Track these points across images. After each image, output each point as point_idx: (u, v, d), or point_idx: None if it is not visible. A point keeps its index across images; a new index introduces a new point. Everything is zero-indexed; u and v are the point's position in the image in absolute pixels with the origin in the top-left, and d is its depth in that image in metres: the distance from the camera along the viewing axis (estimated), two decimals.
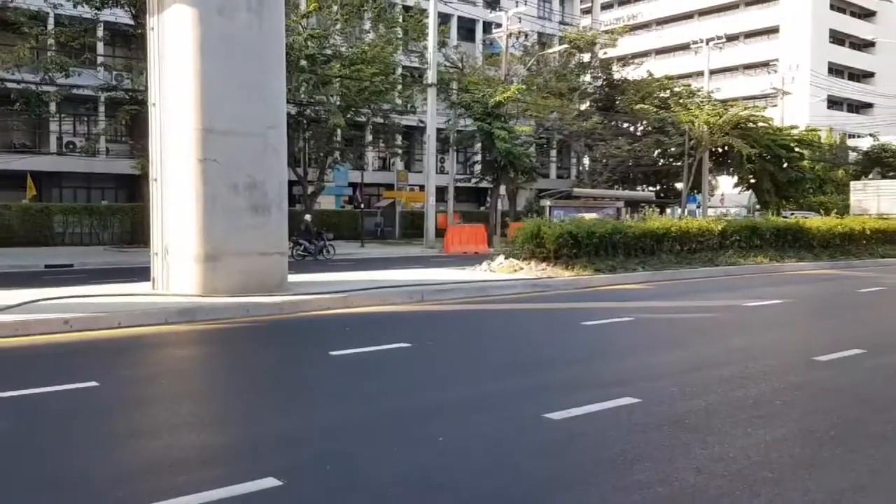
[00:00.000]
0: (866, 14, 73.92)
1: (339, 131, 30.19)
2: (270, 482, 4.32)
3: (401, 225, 38.09)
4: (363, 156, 37.39)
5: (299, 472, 4.60)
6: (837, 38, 73.44)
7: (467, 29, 47.81)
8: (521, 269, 16.33)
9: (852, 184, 40.65)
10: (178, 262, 11.81)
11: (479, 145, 36.05)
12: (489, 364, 8.06)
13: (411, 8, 35.72)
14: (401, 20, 34.16)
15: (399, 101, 34.32)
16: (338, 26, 29.94)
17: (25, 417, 5.84)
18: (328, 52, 28.96)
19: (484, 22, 46.80)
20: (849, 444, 5.30)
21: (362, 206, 35.81)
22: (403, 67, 37.27)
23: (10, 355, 8.31)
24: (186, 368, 8.25)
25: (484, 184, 37.79)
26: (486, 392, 6.73)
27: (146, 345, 9.06)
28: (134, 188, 31.94)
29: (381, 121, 33.34)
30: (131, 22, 25.97)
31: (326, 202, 38.27)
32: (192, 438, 5.44)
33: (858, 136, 62.65)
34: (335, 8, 29.66)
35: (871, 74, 76.52)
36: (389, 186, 42.48)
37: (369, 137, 36.45)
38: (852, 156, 56.90)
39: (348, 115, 29.88)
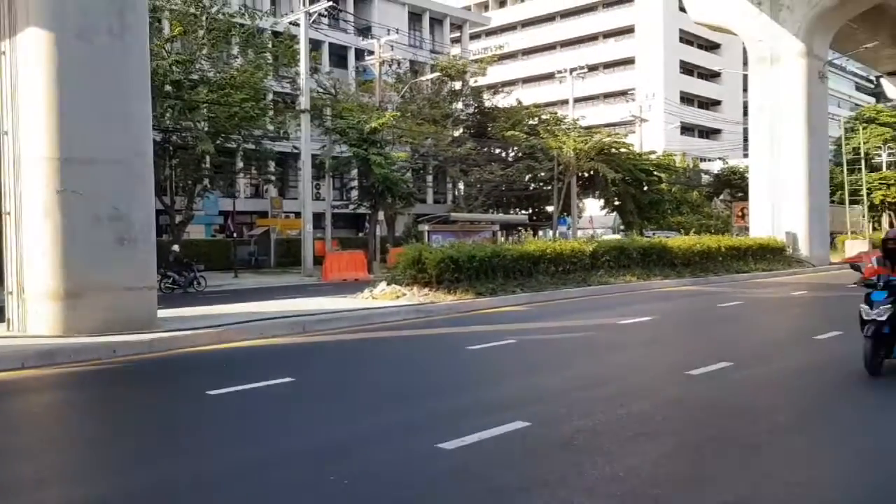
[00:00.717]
0: (712, 46, 79.65)
1: (207, 158, 29.15)
2: None
3: (276, 253, 37.18)
4: (234, 183, 36.25)
5: None
6: (687, 68, 78.68)
7: (339, 55, 47.72)
8: (404, 294, 16.27)
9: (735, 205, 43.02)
10: (36, 300, 10.92)
11: (355, 171, 35.85)
12: (378, 395, 7.90)
13: (281, 34, 35.18)
14: (270, 45, 33.59)
15: (271, 127, 33.62)
16: (204, 51, 29.04)
17: None
18: (195, 77, 28.01)
19: (356, 49, 46.88)
20: (729, 457, 5.53)
21: (234, 234, 34.68)
22: (275, 93, 36.64)
23: None
24: (48, 416, 7.58)
25: (362, 210, 37.57)
26: (376, 425, 6.57)
27: (2, 392, 8.28)
28: None
29: (252, 147, 32.52)
30: None
31: (196, 231, 36.84)
32: (58, 493, 4.96)
33: (709, 160, 67.17)
34: (201, 33, 28.76)
35: (718, 102, 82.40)
36: (263, 214, 41.47)
37: (241, 164, 35.46)
38: (705, 178, 60.89)
39: (218, 142, 28.93)
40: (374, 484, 5.01)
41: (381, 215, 35.89)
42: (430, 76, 43.39)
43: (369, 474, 5.19)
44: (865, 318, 8.12)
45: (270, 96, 35.01)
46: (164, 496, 4.84)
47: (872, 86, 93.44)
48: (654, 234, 37.35)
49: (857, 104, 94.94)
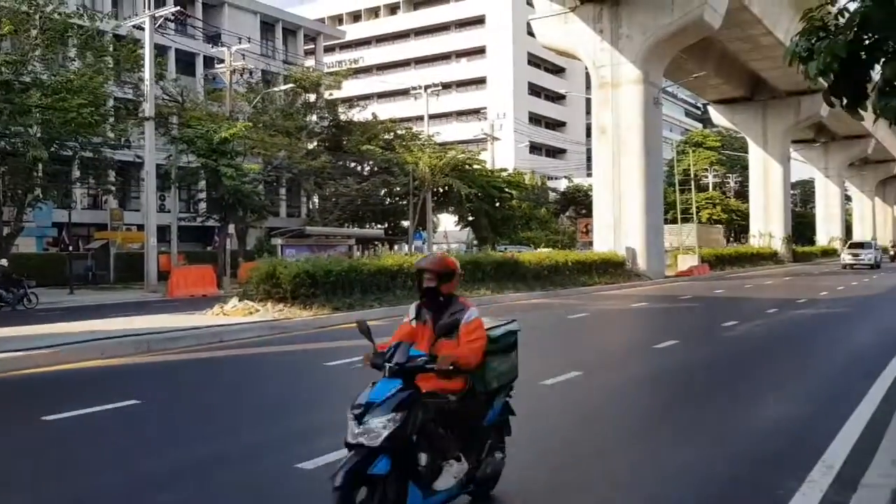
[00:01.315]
0: (557, 70, 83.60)
1: (40, 166, 27.04)
2: None
3: (116, 268, 35.03)
4: (70, 193, 33.82)
5: None
6: (535, 90, 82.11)
7: (187, 62, 45.88)
8: (258, 310, 15.81)
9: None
10: None
11: (203, 183, 34.49)
12: (231, 415, 7.61)
13: (124, 37, 33.35)
14: (112, 49, 31.74)
15: (112, 135, 31.70)
16: (37, 52, 26.98)
17: None
18: (26, 79, 25.94)
19: (205, 56, 45.25)
20: (582, 464, 5.77)
21: (70, 248, 32.36)
22: (116, 99, 34.67)
23: None
24: None
25: (211, 222, 36.17)
26: (230, 447, 6.32)
27: None
28: None
29: (90, 155, 30.51)
30: None
31: (26, 245, 34.03)
32: None
33: (556, 178, 70.34)
34: (34, 32, 26.72)
35: (564, 123, 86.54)
36: (102, 226, 39.00)
37: (77, 173, 33.18)
38: (552, 196, 63.66)
39: (52, 149, 26.91)
40: None
41: (231, 229, 34.71)
42: (283, 87, 42.62)
43: (221, 497, 4.98)
44: (349, 439, 3.95)
45: (111, 102, 33.08)
46: None
47: (700, 112, 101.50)
48: (506, 248, 38.53)
49: (686, 129, 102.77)
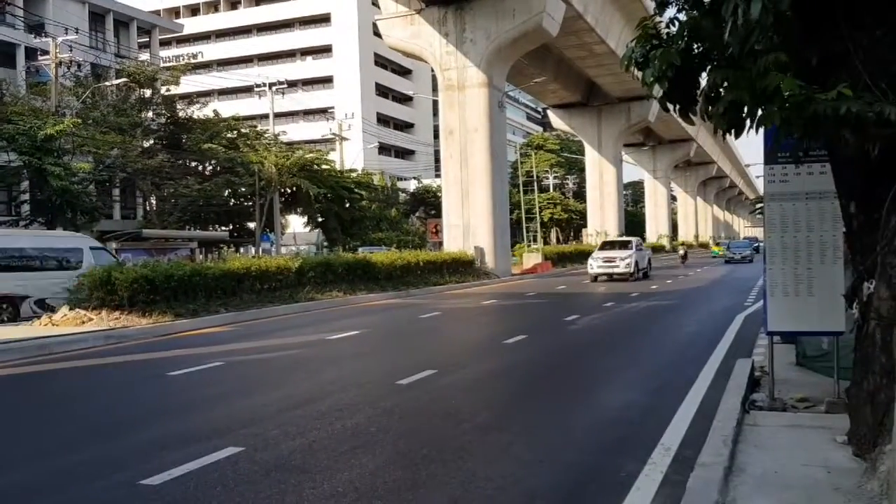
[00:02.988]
0: (405, 72, 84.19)
1: None
2: None
3: None
4: None
5: None
6: (383, 91, 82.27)
7: (6, 53, 42.05)
8: (91, 319, 14.75)
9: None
10: None
11: (27, 183, 31.77)
12: (63, 433, 7.04)
13: None
14: None
15: None
16: None
17: None
18: None
19: (27, 47, 41.71)
20: (441, 459, 5.81)
21: None
22: None
23: None
24: None
25: (35, 226, 33.41)
26: (64, 467, 5.84)
27: None
28: None
29: None
30: None
31: None
32: None
33: (406, 179, 70.84)
34: None
35: (412, 125, 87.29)
36: None
37: None
38: (402, 196, 64.06)
39: None
40: None
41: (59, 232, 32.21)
42: (115, 81, 40.05)
43: None
44: None
45: None
46: None
47: (540, 116, 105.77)
48: (361, 249, 38.32)
49: (528, 132, 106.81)
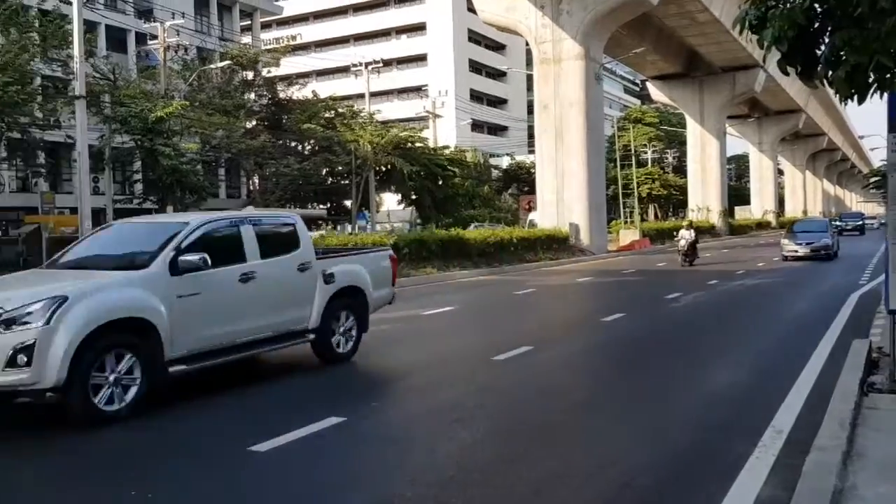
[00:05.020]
0: (498, 47, 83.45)
1: None
2: None
3: (49, 253, 33.69)
4: None
5: None
6: (476, 67, 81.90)
7: (118, 39, 44.23)
8: None
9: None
10: None
11: (139, 163, 33.42)
12: (181, 401, 7.36)
13: (50, 12, 31.88)
14: (38, 25, 30.32)
15: (40, 115, 30.37)
16: None
17: None
18: None
19: (137, 33, 43.69)
20: (538, 436, 5.76)
21: None
22: (44, 77, 33.18)
23: None
24: None
25: (148, 204, 35.13)
26: (181, 431, 6.13)
27: None
28: None
29: (18, 136, 29.22)
30: None
31: None
32: None
33: (499, 156, 70.51)
34: None
35: (505, 101, 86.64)
36: (33, 210, 37.45)
37: (4, 154, 31.76)
38: (495, 173, 63.82)
39: None
40: (186, 491, 4.64)
41: (170, 210, 33.80)
42: (220, 64, 41.46)
43: (179, 490, 4.81)
44: None
45: (39, 80, 31.67)
46: None
47: (638, 89, 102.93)
48: (473, 226, 38.47)
49: (625, 105, 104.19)
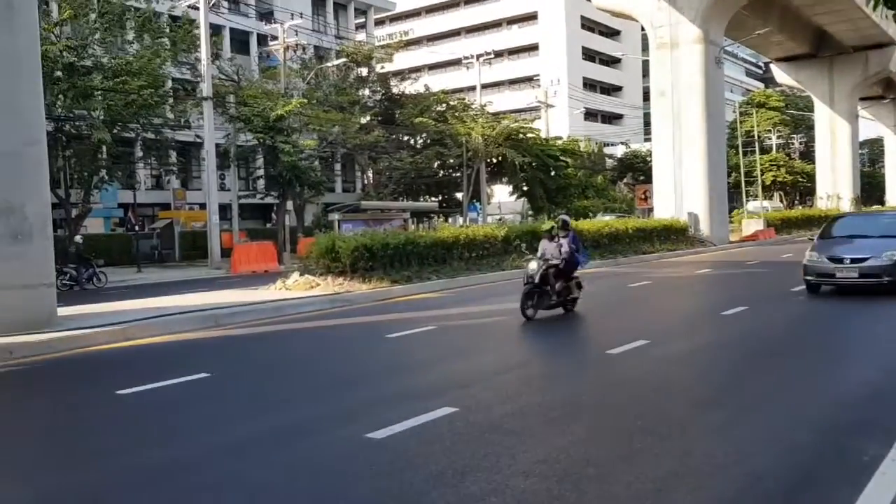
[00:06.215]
0: (612, 33, 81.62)
1: (104, 148, 27.71)
2: None
3: (181, 246, 35.82)
4: (134, 174, 34.67)
5: None
6: (589, 55, 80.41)
7: (241, 41, 46.32)
8: (318, 284, 15.95)
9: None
10: None
11: (261, 160, 34.93)
12: (298, 387, 7.68)
13: (179, 18, 33.76)
14: (168, 30, 32.18)
15: (171, 116, 32.29)
16: (97, 36, 27.55)
17: None
18: (88, 63, 26.53)
19: (258, 34, 45.61)
20: (656, 432, 5.62)
21: (136, 227, 33.23)
22: (174, 80, 35.19)
23: None
24: None
25: (269, 199, 36.67)
26: (300, 417, 6.37)
27: None
28: None
29: (152, 136, 31.17)
30: None
31: (94, 225, 35.10)
32: None
33: (613, 145, 69.00)
34: (93, 16, 27.25)
35: (620, 88, 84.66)
36: (165, 206, 39.92)
37: (140, 154, 33.97)
38: (609, 162, 62.49)
39: (115, 131, 27.54)
40: (300, 475, 4.83)
41: (289, 205, 35.15)
42: (335, 62, 42.67)
43: (295, 465, 5.01)
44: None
45: (170, 83, 33.63)
46: (71, 501, 4.52)
47: (761, 72, 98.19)
48: (600, 215, 37.98)
49: (747, 89, 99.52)
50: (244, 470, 5.01)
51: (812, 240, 15.00)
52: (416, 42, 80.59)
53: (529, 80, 74.75)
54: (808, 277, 13.51)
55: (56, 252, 12.09)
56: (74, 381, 8.67)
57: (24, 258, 10.60)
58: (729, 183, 38.41)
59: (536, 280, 11.29)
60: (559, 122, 63.39)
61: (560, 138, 51.61)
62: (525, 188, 45.50)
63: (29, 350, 9.61)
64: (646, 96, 62.67)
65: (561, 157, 46.71)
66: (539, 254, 11.92)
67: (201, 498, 4.55)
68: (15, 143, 10.54)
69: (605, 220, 27.32)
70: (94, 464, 5.35)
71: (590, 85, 79.79)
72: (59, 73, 24.76)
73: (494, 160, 43.97)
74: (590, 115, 77.29)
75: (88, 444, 5.93)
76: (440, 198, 47.79)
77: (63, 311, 12.08)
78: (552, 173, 45.60)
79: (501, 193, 52.12)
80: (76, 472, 5.21)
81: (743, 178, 48.08)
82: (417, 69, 67.83)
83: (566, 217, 13.34)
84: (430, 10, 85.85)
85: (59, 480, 5.03)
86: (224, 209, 33.40)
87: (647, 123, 58.46)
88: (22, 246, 10.55)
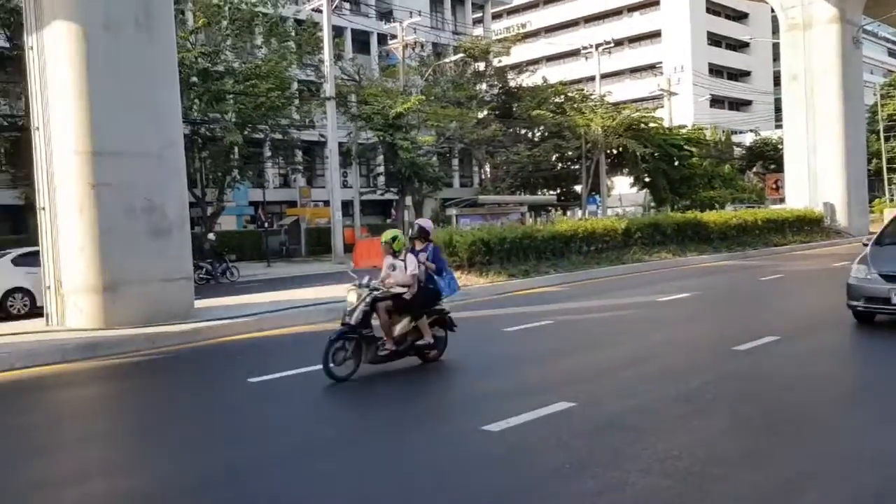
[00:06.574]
0: (740, 16, 78.00)
1: (236, 149, 29.25)
2: None
3: (307, 242, 37.25)
4: (263, 173, 36.37)
5: None
6: (715, 40, 77.16)
7: (362, 41, 47.54)
8: None
9: None
10: (74, 294, 11.01)
11: (381, 157, 35.78)
12: (418, 379, 7.81)
13: (304, 21, 35.07)
14: (293, 34, 33.50)
15: (297, 116, 33.61)
16: (228, 42, 29.07)
17: None
18: (220, 68, 28.06)
19: (378, 34, 46.66)
20: (784, 432, 5.35)
21: (265, 224, 34.78)
22: (299, 81, 36.60)
23: None
24: (91, 409, 7.62)
25: (389, 195, 37.53)
26: (419, 408, 6.50)
27: (44, 386, 8.35)
28: (18, 219, 29.94)
29: (279, 136, 32.59)
30: (5, 44, 24.36)
31: (227, 223, 37.06)
32: (103, 486, 4.95)
33: (741, 132, 65.98)
34: (224, 23, 28.78)
35: (748, 73, 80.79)
36: (292, 203, 41.59)
37: (268, 154, 35.58)
38: (737, 151, 59.82)
39: (245, 132, 29.00)
40: (419, 464, 4.92)
41: (408, 200, 35.80)
42: (453, 58, 43.02)
43: (415, 455, 5.11)
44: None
45: (295, 85, 35.00)
46: (209, 485, 4.80)
47: None
48: (729, 206, 36.71)
49: (889, 70, 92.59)
50: (362, 456, 5.16)
51: (867, 245, 10.41)
52: (534, 34, 79.99)
53: (651, 67, 72.67)
54: (854, 303, 9.47)
55: (193, 248, 12.86)
56: (211, 368, 9.21)
57: (165, 254, 11.34)
58: (869, 170, 35.96)
59: (353, 321, 7.59)
60: (683, 111, 61.27)
61: (684, 127, 49.88)
62: (647, 179, 44.34)
63: (170, 339, 10.28)
64: (776, 81, 59.46)
65: (685, 147, 45.16)
66: (366, 281, 7.97)
67: (321, 482, 4.72)
68: (155, 146, 11.28)
69: (732, 212, 26.15)
70: (220, 449, 5.66)
71: (716, 71, 76.59)
72: (194, 79, 26.28)
73: (615, 151, 43.07)
74: (716, 101, 74.20)
75: (218, 429, 6.28)
76: (558, 191, 47.29)
77: (199, 303, 12.84)
78: (676, 163, 44.19)
79: (622, 185, 50.99)
80: (205, 456, 5.53)
81: (885, 165, 44.88)
82: (535, 61, 67.35)
83: (425, 222, 8.65)
84: (548, 1, 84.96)
85: (189, 464, 5.36)
86: (346, 205, 34.41)
87: (777, 109, 55.49)
88: (162, 241, 11.29)
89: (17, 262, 15.71)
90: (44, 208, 11.27)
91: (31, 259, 14.34)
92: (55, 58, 10.92)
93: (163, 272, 11.31)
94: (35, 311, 14.24)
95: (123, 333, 10.26)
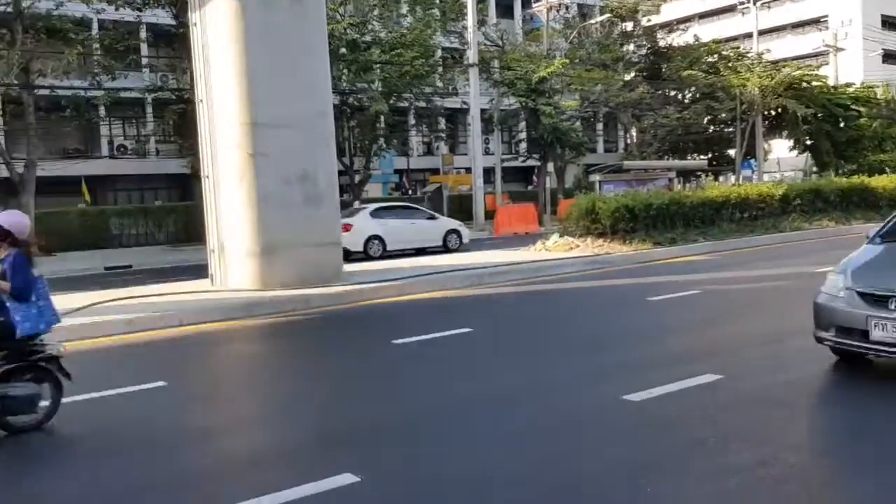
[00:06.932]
0: None
1: (382, 118, 30.03)
2: (348, 478, 4.18)
3: (449, 209, 37.72)
4: (407, 141, 37.16)
5: (377, 467, 4.46)
6: None
7: (505, 5, 47.10)
8: (577, 246, 15.98)
9: None
10: (235, 257, 11.81)
11: (523, 123, 35.55)
12: (556, 346, 7.83)
13: None
14: (438, 1, 33.76)
15: (440, 84, 33.98)
16: (375, 12, 29.73)
17: (99, 421, 5.82)
18: (367, 38, 28.78)
19: None
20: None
21: (410, 192, 35.59)
22: (443, 49, 36.89)
23: (77, 359, 8.33)
24: (254, 364, 8.21)
25: (531, 162, 37.29)
26: (558, 375, 6.52)
27: (210, 342, 9.06)
28: (185, 187, 32.36)
29: (423, 105, 33.11)
30: (173, 21, 26.16)
31: (373, 190, 38.22)
32: (267, 435, 5.36)
33: None
34: None
35: None
36: (435, 171, 42.24)
37: (412, 122, 36.26)
38: None
39: (391, 101, 29.69)
40: (560, 430, 4.95)
41: (550, 167, 35.43)
42: (599, 19, 41.77)
43: (555, 421, 5.14)
44: None
45: (439, 53, 35.32)
46: (354, 441, 5.06)
47: None
48: None
49: None
50: (503, 419, 5.26)
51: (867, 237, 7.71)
52: None
53: (816, 22, 67.37)
54: (823, 334, 6.08)
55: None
56: (359, 330, 9.66)
57: (316, 219, 11.90)
58: None
59: None
60: (851, 68, 56.47)
61: (852, 85, 46.02)
62: (808, 142, 41.43)
63: (323, 301, 10.84)
64: None
65: (852, 106, 41.73)
66: None
67: (462, 442, 4.86)
68: (308, 117, 11.80)
69: None
70: (372, 405, 5.95)
71: (890, 23, 69.89)
72: (343, 50, 27.13)
73: (772, 112, 40.51)
74: (889, 57, 67.78)
75: (369, 387, 6.59)
76: (710, 155, 45.12)
77: (348, 267, 13.42)
78: (841, 124, 40.98)
79: (780, 149, 47.93)
80: (358, 411, 5.82)
81: None
82: (686, 19, 64.07)
83: (8, 216, 5.64)
84: None
85: (345, 418, 5.67)
86: (488, 173, 34.56)
87: None
88: (314, 209, 11.85)
89: (374, 214, 19.69)
90: (207, 176, 12.10)
91: (383, 212, 19.99)
92: (216, 33, 11.62)
93: (315, 237, 11.89)
94: (386, 254, 18.42)
95: (280, 294, 10.92)
